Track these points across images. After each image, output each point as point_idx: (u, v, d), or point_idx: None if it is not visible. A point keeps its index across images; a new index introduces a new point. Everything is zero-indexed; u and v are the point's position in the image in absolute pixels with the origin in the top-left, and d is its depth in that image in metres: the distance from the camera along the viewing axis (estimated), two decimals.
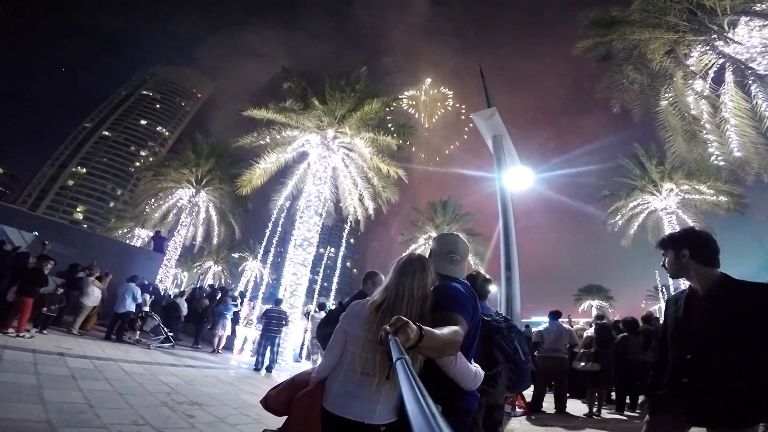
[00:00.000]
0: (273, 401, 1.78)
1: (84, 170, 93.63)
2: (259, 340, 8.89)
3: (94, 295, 8.64)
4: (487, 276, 3.15)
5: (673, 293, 2.25)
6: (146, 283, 11.74)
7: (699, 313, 1.85)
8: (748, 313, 1.69)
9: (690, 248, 1.91)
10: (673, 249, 1.98)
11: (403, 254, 1.79)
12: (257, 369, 8.38)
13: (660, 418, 1.93)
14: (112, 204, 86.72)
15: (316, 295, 20.23)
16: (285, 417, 1.76)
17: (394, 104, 13.45)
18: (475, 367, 1.65)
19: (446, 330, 1.23)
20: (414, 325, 1.01)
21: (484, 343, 2.40)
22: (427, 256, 1.75)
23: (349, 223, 15.86)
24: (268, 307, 10.01)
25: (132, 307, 8.85)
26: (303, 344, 11.80)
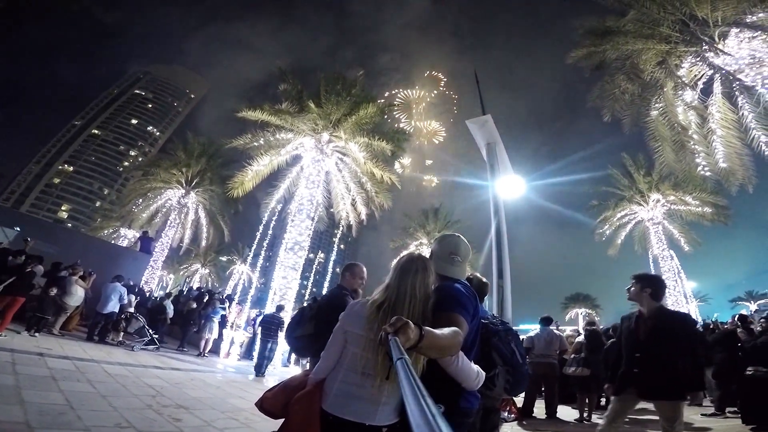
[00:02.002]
0: (269, 403, 1.71)
1: (71, 168, 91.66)
2: (260, 344, 8.96)
3: (77, 295, 8.37)
4: (484, 279, 3.14)
5: (627, 314, 3.28)
6: (132, 283, 11.47)
7: (644, 328, 2.93)
8: (670, 329, 2.85)
9: (652, 288, 2.98)
10: (641, 284, 3.01)
11: (403, 254, 1.77)
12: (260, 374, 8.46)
13: (622, 397, 2.96)
14: (98, 203, 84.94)
15: (306, 301, 20.01)
16: (280, 420, 1.70)
17: (392, 106, 13.48)
18: (476, 367, 1.63)
19: (447, 330, 1.22)
20: (414, 326, 1.01)
21: (481, 346, 2.38)
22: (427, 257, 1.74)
23: (341, 228, 15.77)
24: (268, 312, 10.02)
25: (116, 308, 8.62)
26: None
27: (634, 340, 2.95)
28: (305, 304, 3.14)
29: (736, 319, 7.09)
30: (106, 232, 29.46)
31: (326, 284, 21.63)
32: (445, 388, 1.49)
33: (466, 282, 1.77)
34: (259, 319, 11.71)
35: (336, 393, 1.46)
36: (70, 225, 68.28)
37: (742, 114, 8.59)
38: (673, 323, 2.92)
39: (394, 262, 1.68)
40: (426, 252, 1.94)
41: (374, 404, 1.41)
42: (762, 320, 6.12)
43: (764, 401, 4.77)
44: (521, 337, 7.76)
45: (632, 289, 3.04)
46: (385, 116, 13.31)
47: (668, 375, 2.74)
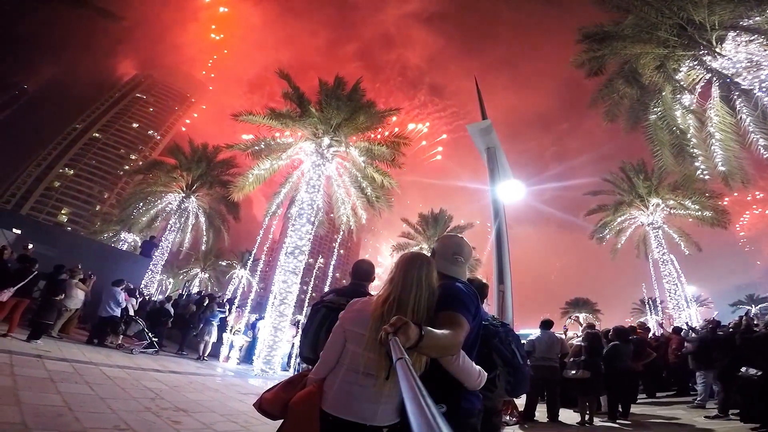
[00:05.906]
0: (268, 404, 1.68)
1: (71, 172, 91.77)
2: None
3: (77, 298, 8.37)
4: (484, 280, 3.17)
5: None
6: (132, 287, 11.45)
7: None
8: None
9: None
10: None
11: (406, 252, 1.77)
12: None
13: None
14: (98, 207, 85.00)
15: (306, 306, 19.82)
16: (280, 421, 1.69)
17: (393, 111, 13.54)
18: (478, 366, 1.62)
19: (447, 330, 1.22)
20: (414, 325, 1.00)
21: (481, 347, 2.37)
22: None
23: (341, 233, 15.74)
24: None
25: (117, 312, 8.60)
26: (291, 353, 11.59)
27: None
28: (332, 300, 2.25)
29: (742, 319, 7.09)
30: (105, 235, 29.40)
31: (326, 289, 21.40)
32: (446, 388, 1.48)
33: (467, 282, 1.78)
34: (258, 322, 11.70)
35: (336, 393, 1.44)
36: (69, 228, 68.21)
37: (740, 117, 8.57)
38: None
39: (397, 259, 1.68)
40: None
41: (375, 404, 1.39)
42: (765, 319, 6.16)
43: (758, 400, 4.76)
44: (521, 341, 7.80)
45: None
46: (384, 120, 13.32)
47: None
